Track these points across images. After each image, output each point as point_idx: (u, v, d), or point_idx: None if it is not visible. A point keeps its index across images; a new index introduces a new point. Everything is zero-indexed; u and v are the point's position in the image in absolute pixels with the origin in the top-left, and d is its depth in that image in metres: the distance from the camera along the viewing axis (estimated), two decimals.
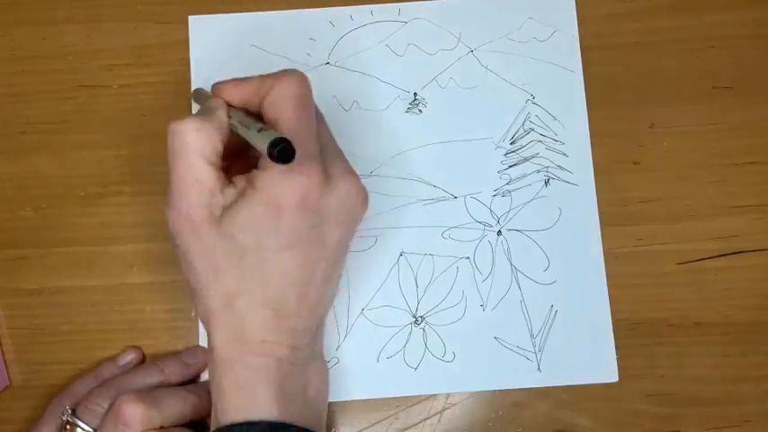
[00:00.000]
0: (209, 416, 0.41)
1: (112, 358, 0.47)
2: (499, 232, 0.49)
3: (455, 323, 0.48)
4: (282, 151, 0.34)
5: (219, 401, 0.38)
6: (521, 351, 0.47)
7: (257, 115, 0.40)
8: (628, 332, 0.48)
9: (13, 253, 0.49)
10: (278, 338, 0.38)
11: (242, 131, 0.38)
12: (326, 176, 0.38)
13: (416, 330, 0.48)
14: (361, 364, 0.47)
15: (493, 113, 0.50)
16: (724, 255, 0.49)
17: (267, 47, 0.51)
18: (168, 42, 0.51)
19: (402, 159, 0.50)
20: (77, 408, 0.43)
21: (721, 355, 0.48)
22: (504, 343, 0.48)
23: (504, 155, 0.50)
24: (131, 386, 0.44)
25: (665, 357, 0.47)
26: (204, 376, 0.47)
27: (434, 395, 0.47)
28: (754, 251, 0.49)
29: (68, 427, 0.42)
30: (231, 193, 0.38)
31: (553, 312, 0.48)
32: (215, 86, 0.42)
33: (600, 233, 0.49)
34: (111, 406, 0.42)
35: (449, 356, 0.47)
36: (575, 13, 0.51)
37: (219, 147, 0.39)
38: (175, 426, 0.42)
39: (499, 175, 0.50)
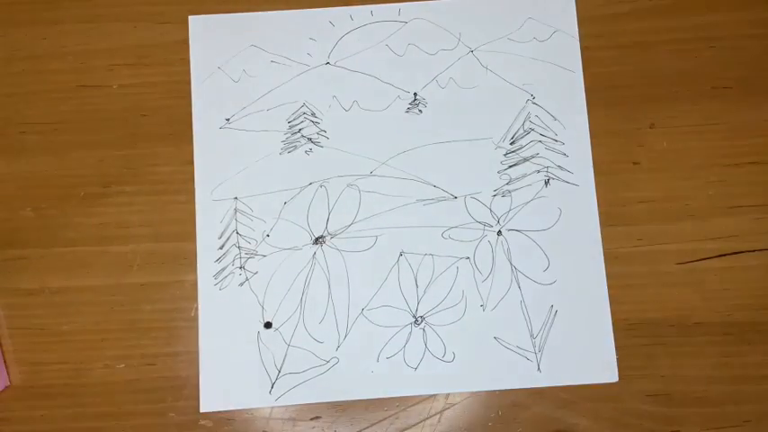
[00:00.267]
0: None
1: None
2: (499, 232, 0.49)
3: (455, 323, 0.48)
4: None
5: None
6: (521, 351, 0.47)
7: None
8: (628, 332, 0.48)
9: (13, 253, 0.49)
10: None
11: None
12: None
13: (416, 330, 0.48)
14: (361, 364, 0.47)
15: (493, 113, 0.50)
16: (724, 255, 0.49)
17: (267, 47, 0.51)
18: (168, 42, 0.51)
19: (402, 159, 0.50)
20: None
21: (721, 355, 0.48)
22: (504, 343, 0.48)
23: (504, 155, 0.50)
24: None
25: (665, 357, 0.48)
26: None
27: (434, 395, 0.47)
28: (753, 251, 0.49)
29: None
30: None
31: (553, 312, 0.48)
32: None
33: (600, 233, 0.49)
34: None
35: (449, 356, 0.48)
36: (575, 13, 0.51)
37: None
38: None
39: (499, 175, 0.50)
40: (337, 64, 0.51)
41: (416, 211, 0.49)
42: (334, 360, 0.47)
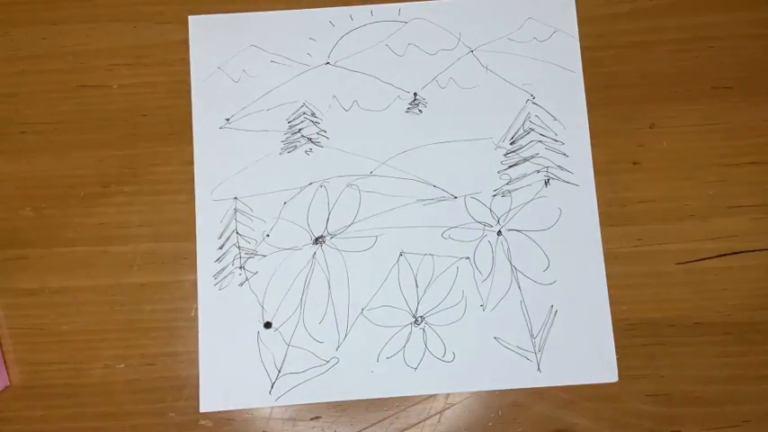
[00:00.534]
0: None
1: None
2: (499, 232, 0.49)
3: (455, 323, 0.48)
4: None
5: None
6: (521, 351, 0.47)
7: None
8: (628, 332, 0.48)
9: (13, 253, 0.49)
10: None
11: None
12: None
13: (416, 330, 0.48)
14: (361, 364, 0.47)
15: (493, 113, 0.50)
16: (724, 255, 0.49)
17: (267, 47, 0.51)
18: (168, 42, 0.51)
19: (402, 159, 0.50)
20: None
21: (721, 355, 0.48)
22: (504, 343, 0.48)
23: (504, 155, 0.50)
24: None
25: (665, 357, 0.48)
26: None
27: (434, 395, 0.47)
28: (753, 251, 0.49)
29: None
30: None
31: (553, 312, 0.48)
32: None
33: (600, 233, 0.49)
34: None
35: (449, 356, 0.48)
36: (575, 13, 0.51)
37: None
38: None
39: (499, 175, 0.50)
40: (337, 64, 0.51)
41: (416, 211, 0.49)
42: (334, 360, 0.47)
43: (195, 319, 0.48)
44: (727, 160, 0.50)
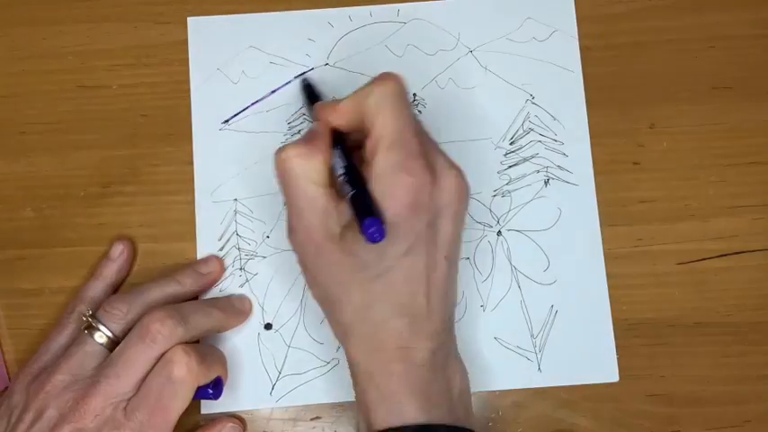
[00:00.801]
0: (227, 330, 0.46)
1: (105, 255, 0.48)
2: (499, 232, 0.49)
3: (455, 323, 0.48)
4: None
5: (367, 412, 0.38)
6: (521, 351, 0.47)
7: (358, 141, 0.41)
8: (628, 332, 0.48)
9: (13, 253, 0.49)
10: (415, 343, 0.38)
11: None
12: (432, 172, 0.38)
13: None
14: None
15: (492, 114, 0.50)
16: (724, 255, 0.49)
17: (266, 48, 0.51)
18: (168, 42, 0.51)
19: None
20: (97, 313, 0.44)
21: (721, 355, 0.47)
22: (504, 343, 0.48)
23: (504, 155, 0.50)
24: (149, 297, 0.44)
25: (665, 357, 0.47)
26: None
27: None
28: (754, 251, 0.49)
29: (87, 330, 0.43)
30: (346, 208, 0.39)
31: (553, 312, 0.48)
32: (317, 108, 0.42)
33: (600, 233, 0.49)
34: (129, 311, 0.43)
35: None
36: (574, 12, 0.51)
37: (324, 169, 0.39)
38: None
39: (499, 175, 0.50)
40: (336, 65, 0.51)
41: None
42: (335, 361, 0.47)
43: None
44: (727, 160, 0.50)
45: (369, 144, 0.39)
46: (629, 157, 0.50)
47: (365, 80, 0.50)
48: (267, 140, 0.50)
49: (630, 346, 0.47)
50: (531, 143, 0.50)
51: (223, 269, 0.48)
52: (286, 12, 0.51)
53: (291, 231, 0.40)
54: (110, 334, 0.43)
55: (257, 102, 0.50)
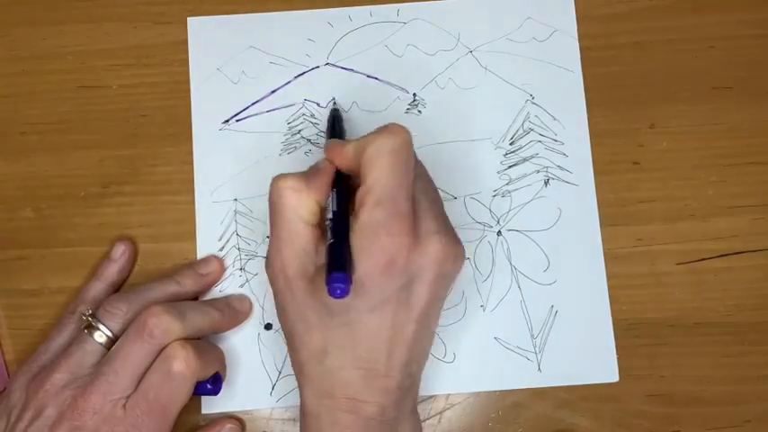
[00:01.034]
0: (226, 330, 0.46)
1: (107, 255, 0.48)
2: (499, 232, 0.49)
3: (455, 323, 0.48)
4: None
5: None
6: (521, 351, 0.47)
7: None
8: (628, 332, 0.48)
9: (13, 253, 0.49)
10: (367, 397, 0.38)
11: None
12: (416, 236, 0.37)
13: None
14: None
15: (492, 114, 0.50)
16: (724, 255, 0.49)
17: (266, 48, 0.51)
18: (168, 42, 0.51)
19: None
20: (96, 312, 0.44)
21: (721, 355, 0.47)
22: (504, 343, 0.48)
23: (504, 155, 0.50)
24: (149, 296, 0.44)
25: (665, 357, 0.47)
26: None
27: (434, 395, 0.47)
28: (754, 251, 0.49)
29: (87, 329, 0.43)
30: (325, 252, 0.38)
31: (553, 312, 0.48)
32: (327, 145, 0.42)
33: (600, 233, 0.49)
34: (128, 310, 0.43)
35: (449, 357, 0.47)
36: (574, 12, 0.51)
37: (316, 208, 0.39)
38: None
39: (499, 175, 0.50)
40: (336, 65, 0.51)
41: None
42: None
43: None
44: (727, 160, 0.50)
45: (358, 194, 0.38)
46: (629, 157, 0.50)
47: (365, 80, 0.51)
48: (267, 140, 0.50)
49: (630, 346, 0.47)
50: (531, 143, 0.50)
51: (223, 269, 0.48)
52: (286, 12, 0.51)
53: (268, 260, 0.40)
54: (109, 333, 0.43)
55: (257, 102, 0.50)
